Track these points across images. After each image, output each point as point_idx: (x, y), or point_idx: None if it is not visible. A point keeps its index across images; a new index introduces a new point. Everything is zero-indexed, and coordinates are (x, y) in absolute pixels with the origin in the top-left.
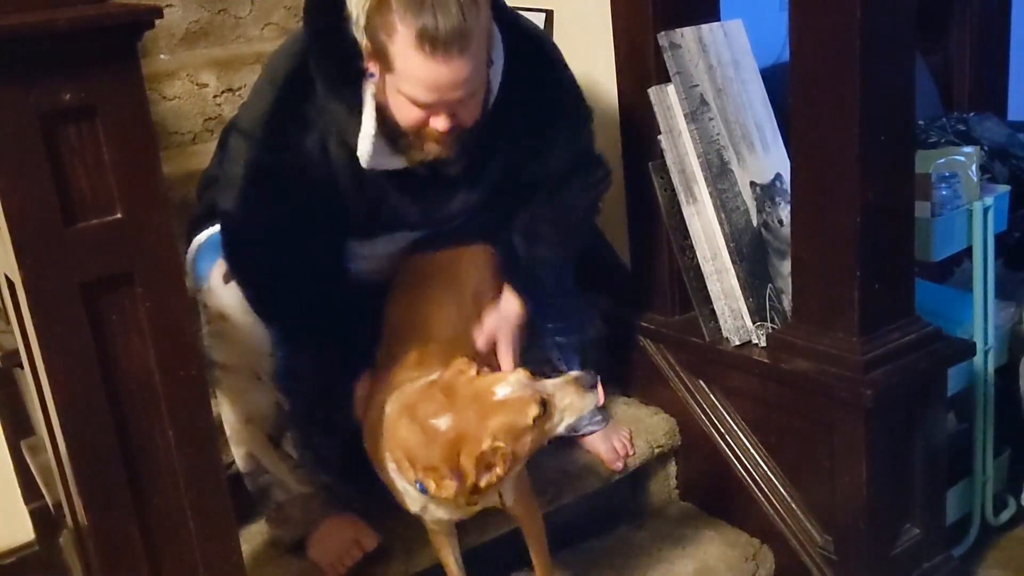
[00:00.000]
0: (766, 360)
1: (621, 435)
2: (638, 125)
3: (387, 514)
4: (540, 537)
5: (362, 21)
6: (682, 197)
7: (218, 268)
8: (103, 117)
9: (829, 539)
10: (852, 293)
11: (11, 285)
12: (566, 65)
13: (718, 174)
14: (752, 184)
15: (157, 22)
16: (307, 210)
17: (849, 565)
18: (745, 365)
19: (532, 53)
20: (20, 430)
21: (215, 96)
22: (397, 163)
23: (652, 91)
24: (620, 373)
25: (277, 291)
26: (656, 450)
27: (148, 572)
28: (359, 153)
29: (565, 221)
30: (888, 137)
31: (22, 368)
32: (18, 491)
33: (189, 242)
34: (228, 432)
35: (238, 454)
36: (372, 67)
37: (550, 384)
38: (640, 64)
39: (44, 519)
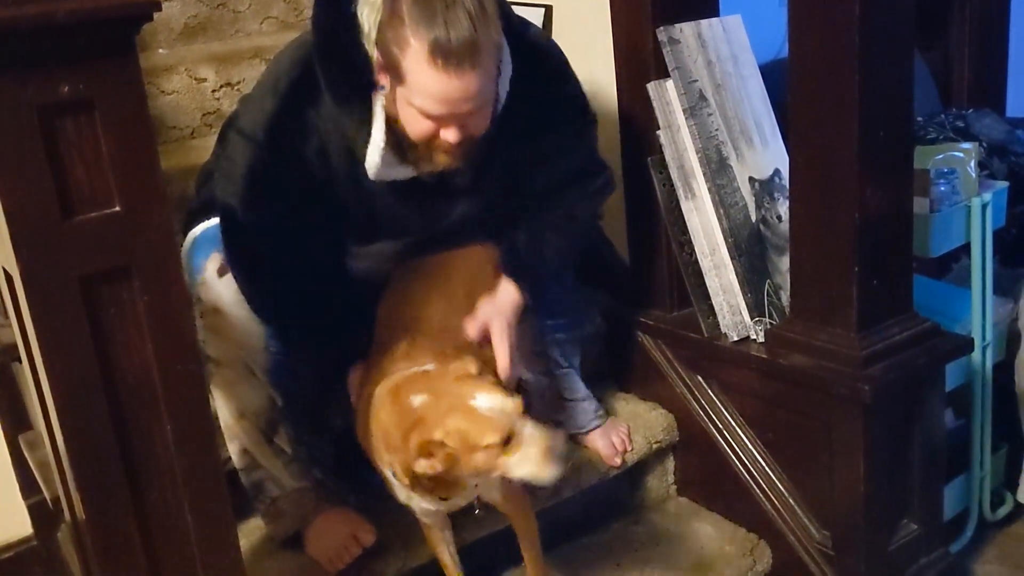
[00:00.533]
0: (764, 356)
1: (619, 431)
2: (637, 120)
3: (384, 510)
4: (533, 536)
5: (373, 34)
6: (681, 193)
7: (213, 262)
8: (101, 110)
9: (827, 534)
10: (850, 289)
11: (9, 278)
12: (572, 73)
13: (717, 170)
14: (751, 180)
15: (155, 16)
16: (306, 212)
17: (847, 560)
18: (743, 361)
19: (539, 61)
20: (18, 425)
21: (213, 91)
22: (405, 173)
23: (651, 86)
24: (618, 369)
25: (275, 289)
26: (654, 446)
27: (146, 567)
28: (367, 164)
29: (568, 226)
30: (887, 133)
31: (20, 362)
32: (16, 486)
33: (185, 236)
34: (222, 427)
35: (232, 449)
36: (383, 79)
37: (527, 431)
38: (639, 59)
39: (42, 514)
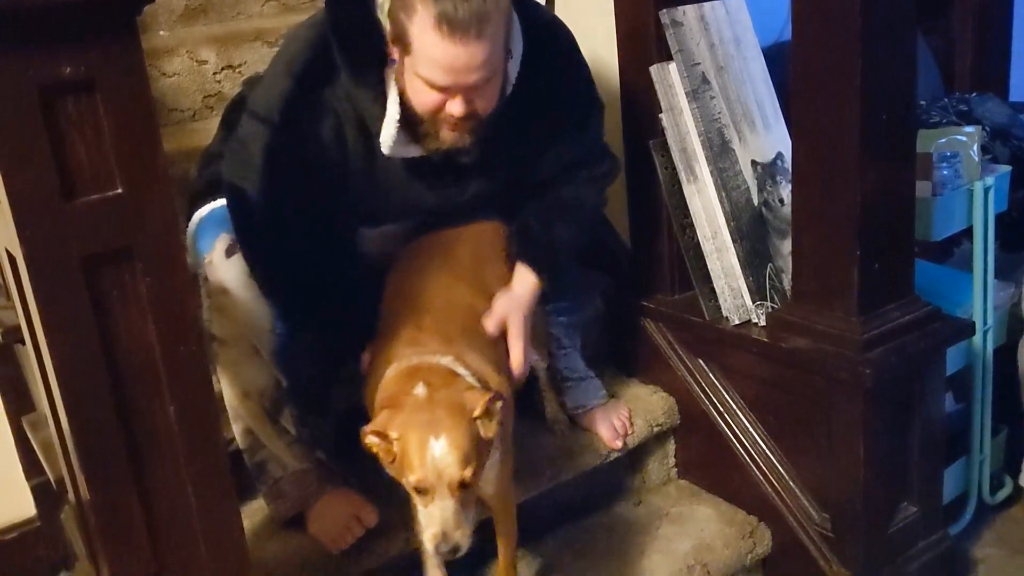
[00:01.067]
0: (765, 339)
1: (620, 414)
2: (639, 103)
3: (387, 490)
4: (511, 533)
5: (387, 5)
6: (683, 176)
7: (221, 242)
8: (102, 91)
9: (826, 517)
10: (852, 273)
11: (12, 259)
12: (582, 56)
13: (719, 153)
14: (753, 163)
15: None
16: (322, 194)
17: (846, 542)
18: (744, 344)
19: (549, 46)
20: (21, 406)
21: (215, 73)
22: (414, 151)
23: (653, 69)
24: (620, 352)
25: (288, 271)
26: (655, 428)
27: (149, 547)
28: (382, 139)
29: (576, 212)
30: (889, 117)
31: (23, 344)
32: (19, 467)
33: (190, 217)
34: (227, 407)
35: (236, 429)
36: (394, 52)
37: (434, 507)
38: (641, 42)
39: (46, 495)
